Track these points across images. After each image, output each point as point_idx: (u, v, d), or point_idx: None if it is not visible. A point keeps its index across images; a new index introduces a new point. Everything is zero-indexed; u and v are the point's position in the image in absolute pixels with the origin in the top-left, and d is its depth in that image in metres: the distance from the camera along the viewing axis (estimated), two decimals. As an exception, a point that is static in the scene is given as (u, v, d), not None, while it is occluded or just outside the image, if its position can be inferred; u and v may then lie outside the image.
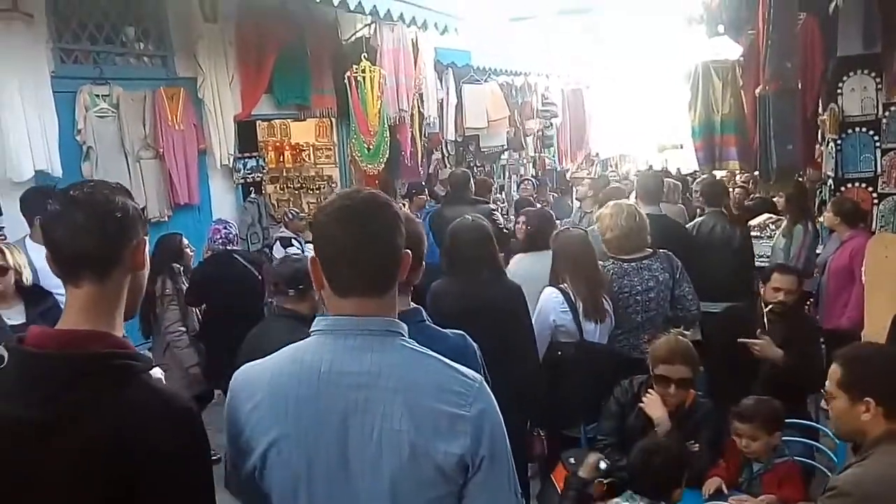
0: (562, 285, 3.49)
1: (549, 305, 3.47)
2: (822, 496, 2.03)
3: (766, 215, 6.35)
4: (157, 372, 1.45)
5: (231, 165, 5.92)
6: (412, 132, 7.23)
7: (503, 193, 10.38)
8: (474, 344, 1.85)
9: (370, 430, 1.28)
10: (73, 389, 1.19)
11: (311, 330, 1.38)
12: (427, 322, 1.83)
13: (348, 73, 6.49)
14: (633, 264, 3.69)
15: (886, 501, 1.88)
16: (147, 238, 1.38)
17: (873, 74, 5.41)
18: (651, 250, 3.78)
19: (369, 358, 1.31)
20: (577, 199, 7.78)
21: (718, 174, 7.28)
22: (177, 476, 1.21)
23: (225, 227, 4.71)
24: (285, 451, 1.31)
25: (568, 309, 3.40)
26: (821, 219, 5.56)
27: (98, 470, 1.17)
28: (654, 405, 2.92)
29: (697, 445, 2.85)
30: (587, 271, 3.48)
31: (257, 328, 3.15)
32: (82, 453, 1.16)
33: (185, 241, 4.55)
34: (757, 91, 4.49)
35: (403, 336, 1.37)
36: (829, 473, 2.96)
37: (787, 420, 3.33)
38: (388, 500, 1.28)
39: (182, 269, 4.46)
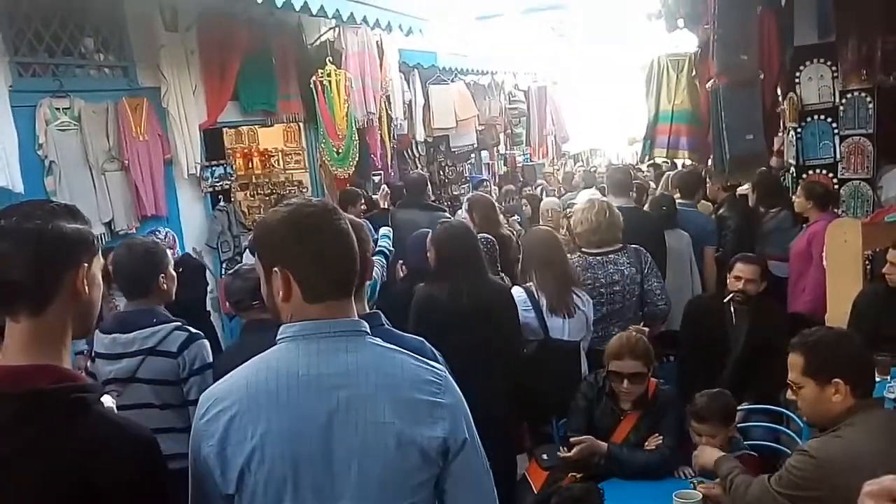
0: (528, 283, 3.54)
1: None
2: (794, 453, 2.10)
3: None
4: (107, 400, 1.45)
5: (198, 174, 5.86)
6: (381, 134, 7.23)
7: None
8: (432, 347, 1.88)
9: (353, 426, 1.33)
10: (25, 426, 1.14)
11: (280, 338, 1.40)
12: (386, 325, 1.86)
13: (314, 78, 6.47)
14: (598, 258, 3.75)
15: (849, 462, 1.92)
16: (93, 261, 1.30)
17: (829, 63, 5.53)
18: (620, 245, 3.84)
19: (344, 358, 1.36)
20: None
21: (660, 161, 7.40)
22: None
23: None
24: (269, 458, 1.31)
25: (531, 307, 3.44)
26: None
27: None
28: (583, 450, 2.91)
29: (661, 438, 2.90)
30: (554, 267, 3.53)
31: (237, 342, 3.09)
32: (41, 492, 1.12)
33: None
34: (708, 85, 4.57)
35: (369, 334, 1.43)
36: (795, 456, 3.03)
37: (752, 406, 3.41)
38: (376, 491, 1.32)
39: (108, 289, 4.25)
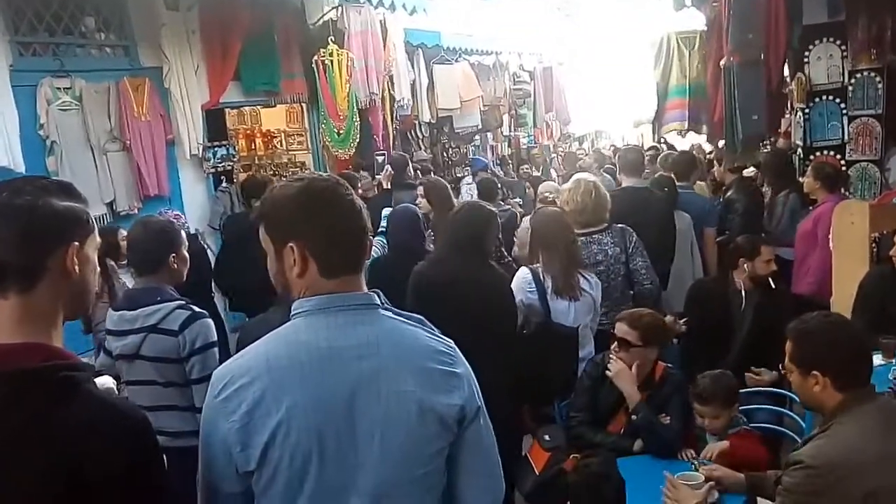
0: (535, 265, 3.52)
1: (517, 285, 3.50)
2: (786, 470, 2.06)
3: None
4: (108, 381, 1.41)
5: (200, 155, 5.85)
6: (383, 115, 7.18)
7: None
8: (431, 326, 1.87)
9: (377, 396, 1.35)
10: (14, 411, 1.11)
11: (297, 312, 1.40)
12: (387, 304, 1.85)
13: (316, 58, 6.43)
14: (582, 238, 3.72)
15: (849, 468, 1.91)
16: (86, 241, 1.26)
17: (839, 42, 5.46)
18: (605, 225, 3.83)
19: (363, 330, 1.38)
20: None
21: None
22: (135, 493, 1.17)
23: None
24: (295, 431, 1.31)
25: (535, 289, 3.42)
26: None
27: (52, 497, 1.10)
28: (623, 378, 2.95)
29: (669, 418, 2.89)
30: (560, 248, 3.49)
31: (266, 316, 2.98)
32: (32, 482, 1.09)
33: (123, 234, 4.14)
34: (721, 63, 4.52)
35: (381, 307, 1.44)
36: (797, 438, 3.02)
37: (755, 388, 3.40)
38: (398, 459, 1.35)
39: (116, 265, 4.09)
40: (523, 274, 3.51)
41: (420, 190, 4.84)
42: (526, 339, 3.35)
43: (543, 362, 3.21)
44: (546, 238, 3.56)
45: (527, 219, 5.13)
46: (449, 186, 5.10)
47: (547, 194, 5.17)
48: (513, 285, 3.45)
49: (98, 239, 1.34)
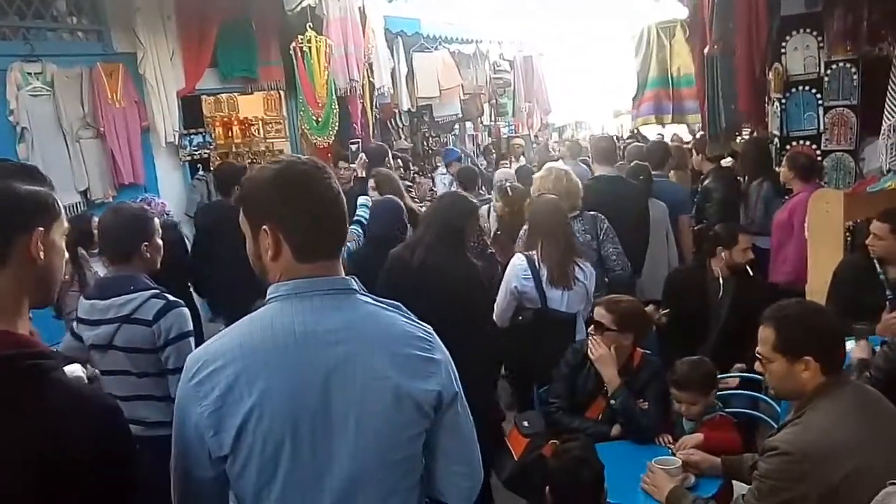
0: (531, 252, 3.51)
1: (512, 272, 3.51)
2: (762, 457, 2.07)
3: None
4: (77, 369, 1.38)
5: (176, 142, 5.77)
6: (363, 103, 7.12)
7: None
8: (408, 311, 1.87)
9: (352, 381, 1.33)
10: None
11: (272, 296, 1.38)
12: (363, 290, 1.84)
13: (293, 44, 6.35)
14: None
15: (825, 454, 1.92)
16: (52, 226, 1.23)
17: (815, 33, 5.49)
18: (577, 212, 3.84)
19: (339, 315, 1.36)
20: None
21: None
22: (106, 482, 1.15)
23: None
24: (268, 416, 1.29)
25: (530, 276, 3.42)
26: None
27: (22, 490, 1.07)
28: (605, 362, 2.95)
29: (647, 403, 2.91)
30: (557, 237, 3.49)
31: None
32: (3, 474, 1.06)
33: (96, 221, 4.02)
34: (705, 51, 4.53)
35: (359, 292, 1.42)
36: (773, 423, 3.05)
37: (731, 374, 3.43)
38: (373, 445, 1.34)
39: (87, 253, 3.97)
40: (518, 261, 3.50)
41: (371, 182, 4.82)
42: (523, 327, 3.34)
43: (540, 349, 3.21)
44: (545, 227, 3.54)
45: (485, 207, 5.20)
46: (399, 178, 5.10)
47: (505, 182, 5.17)
48: (507, 272, 3.44)
49: (66, 224, 1.30)
